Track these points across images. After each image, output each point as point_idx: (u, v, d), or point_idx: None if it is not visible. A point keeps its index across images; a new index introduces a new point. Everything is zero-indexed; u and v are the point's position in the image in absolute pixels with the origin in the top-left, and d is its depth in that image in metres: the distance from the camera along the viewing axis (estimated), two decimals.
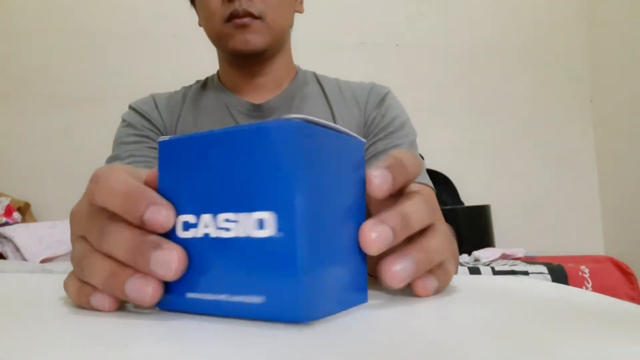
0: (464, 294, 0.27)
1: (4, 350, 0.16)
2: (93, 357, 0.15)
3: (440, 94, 2.08)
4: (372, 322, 0.20)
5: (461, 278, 0.33)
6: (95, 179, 0.23)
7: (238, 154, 0.20)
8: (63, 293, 0.27)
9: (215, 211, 0.20)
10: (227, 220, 0.20)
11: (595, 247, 2.08)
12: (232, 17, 0.63)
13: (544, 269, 1.41)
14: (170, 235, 0.21)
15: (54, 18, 1.92)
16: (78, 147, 1.86)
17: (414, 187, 0.27)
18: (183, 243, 0.21)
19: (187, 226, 0.21)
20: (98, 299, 0.22)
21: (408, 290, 0.28)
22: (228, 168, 0.20)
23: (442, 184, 1.90)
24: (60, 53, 1.91)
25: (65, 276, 0.25)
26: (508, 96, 2.13)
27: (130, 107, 0.72)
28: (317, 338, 0.18)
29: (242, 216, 0.20)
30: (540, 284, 0.31)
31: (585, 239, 2.08)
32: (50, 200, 1.82)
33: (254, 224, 0.19)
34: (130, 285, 0.21)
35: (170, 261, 0.20)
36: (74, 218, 0.26)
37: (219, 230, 0.20)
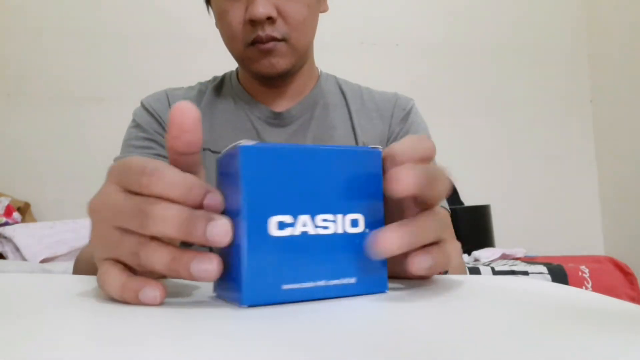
0: (464, 294, 0.27)
1: (5, 351, 0.16)
2: (94, 357, 0.15)
3: (440, 94, 2.08)
4: (371, 321, 0.20)
5: (461, 278, 0.33)
6: (141, 170, 0.24)
7: (331, 168, 0.25)
8: (63, 293, 0.27)
9: (313, 213, 0.25)
10: (325, 220, 0.25)
11: (595, 247, 2.08)
12: (255, 41, 0.61)
13: (543, 269, 1.41)
14: (262, 233, 0.24)
15: (54, 18, 1.92)
16: (78, 147, 1.87)
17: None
18: (277, 240, 0.24)
19: (282, 225, 0.24)
20: (148, 293, 0.24)
21: (407, 289, 0.28)
22: (323, 178, 0.25)
23: None
24: (60, 53, 1.91)
25: (65, 276, 0.25)
26: (508, 96, 2.13)
27: (142, 105, 0.70)
28: (316, 337, 0.18)
29: (339, 217, 0.25)
30: (540, 284, 0.31)
31: (585, 239, 2.08)
32: (50, 200, 1.82)
33: (349, 223, 0.26)
34: (195, 265, 0.23)
35: (225, 231, 0.23)
36: (102, 209, 0.26)
37: (317, 229, 0.25)
